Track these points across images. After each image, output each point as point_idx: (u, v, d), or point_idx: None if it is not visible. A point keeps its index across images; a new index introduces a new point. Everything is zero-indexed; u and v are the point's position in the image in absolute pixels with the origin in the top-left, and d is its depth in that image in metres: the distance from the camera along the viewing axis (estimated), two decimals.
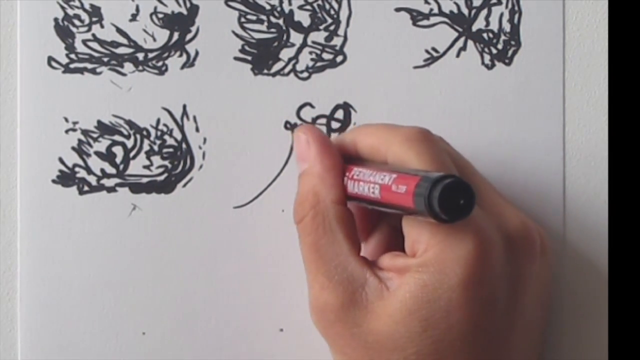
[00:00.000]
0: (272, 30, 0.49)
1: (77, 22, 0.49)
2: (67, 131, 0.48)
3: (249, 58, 0.49)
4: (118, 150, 0.49)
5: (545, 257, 0.45)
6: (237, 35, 0.49)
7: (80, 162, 0.49)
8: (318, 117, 0.49)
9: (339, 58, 0.49)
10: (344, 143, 0.46)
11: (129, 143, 0.49)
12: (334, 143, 0.46)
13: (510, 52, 0.50)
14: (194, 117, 0.49)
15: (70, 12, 0.49)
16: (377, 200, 0.42)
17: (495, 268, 0.42)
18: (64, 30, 0.49)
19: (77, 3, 0.48)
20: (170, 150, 0.49)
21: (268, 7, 0.49)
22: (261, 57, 0.49)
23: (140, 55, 0.49)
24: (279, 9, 0.49)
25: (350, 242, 0.44)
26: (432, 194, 0.39)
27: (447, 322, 0.41)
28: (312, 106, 0.49)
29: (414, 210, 0.41)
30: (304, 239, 0.44)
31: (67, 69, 0.48)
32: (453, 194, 0.39)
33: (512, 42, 0.50)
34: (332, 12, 0.49)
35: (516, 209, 0.45)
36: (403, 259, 0.42)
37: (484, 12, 0.50)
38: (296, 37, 0.49)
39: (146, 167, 0.49)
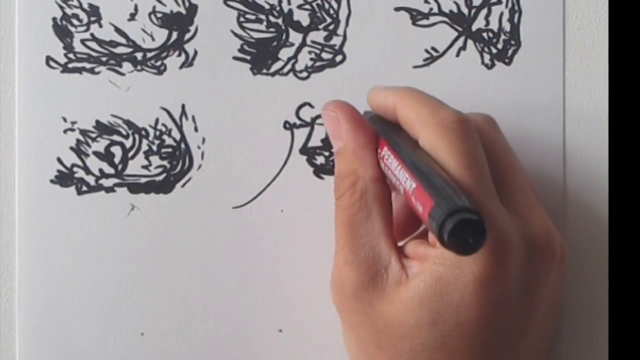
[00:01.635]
0: (271, 29, 0.49)
1: (75, 22, 0.48)
2: (65, 131, 0.48)
3: (248, 58, 0.49)
4: (116, 150, 0.49)
5: (562, 268, 0.45)
6: (236, 34, 0.49)
7: (79, 162, 0.48)
8: (317, 117, 0.49)
9: (339, 58, 0.49)
10: (385, 102, 0.45)
11: (128, 143, 0.49)
12: (376, 94, 0.46)
13: (510, 52, 0.50)
14: (193, 117, 0.49)
15: (68, 11, 0.48)
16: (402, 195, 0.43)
17: (511, 271, 0.42)
18: (62, 30, 0.48)
19: (75, 2, 0.48)
20: (169, 150, 0.49)
21: (267, 7, 0.49)
22: (260, 56, 0.49)
23: (139, 55, 0.49)
24: (278, 8, 0.49)
25: (384, 223, 0.44)
26: (445, 224, 0.38)
27: (457, 318, 0.41)
28: (311, 106, 0.49)
29: (428, 226, 0.40)
30: (339, 213, 0.44)
31: (65, 69, 0.48)
32: (464, 230, 0.38)
33: (512, 42, 0.50)
34: (332, 11, 0.49)
35: (545, 215, 0.44)
36: (424, 247, 0.42)
37: (484, 11, 0.50)
38: (295, 37, 0.49)
39: (145, 167, 0.49)
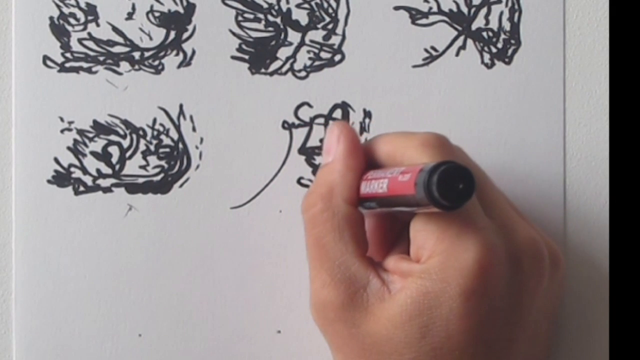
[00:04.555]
0: (270, 29, 0.49)
1: (72, 21, 0.48)
2: (62, 131, 0.48)
3: (246, 57, 0.49)
4: (114, 150, 0.48)
5: (556, 273, 0.45)
6: (234, 34, 0.49)
7: (76, 162, 0.48)
8: (316, 116, 0.49)
9: (337, 57, 0.49)
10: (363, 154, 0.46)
11: (125, 143, 0.48)
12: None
13: (510, 51, 0.49)
14: (191, 117, 0.49)
15: (65, 10, 0.48)
16: (384, 195, 0.42)
17: (498, 281, 0.42)
18: (59, 29, 0.48)
19: (72, 1, 0.48)
20: (167, 150, 0.49)
21: (265, 6, 0.49)
22: (258, 56, 0.49)
23: (137, 54, 0.48)
24: (276, 7, 0.49)
25: (357, 243, 0.44)
26: (431, 179, 0.39)
27: (446, 331, 0.41)
28: (310, 106, 0.49)
29: (416, 200, 0.40)
30: (310, 230, 0.44)
31: (62, 68, 0.48)
32: (452, 179, 0.39)
33: (512, 41, 0.49)
34: (331, 10, 0.49)
35: (528, 224, 0.45)
36: (407, 263, 0.42)
37: (484, 10, 0.50)
38: (294, 36, 0.49)
39: (142, 167, 0.48)
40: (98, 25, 0.48)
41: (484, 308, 0.41)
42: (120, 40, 0.48)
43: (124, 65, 0.48)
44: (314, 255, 0.44)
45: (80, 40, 0.48)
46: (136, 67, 0.48)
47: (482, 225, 0.42)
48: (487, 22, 0.50)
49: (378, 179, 0.43)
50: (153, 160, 0.49)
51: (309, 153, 0.49)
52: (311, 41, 0.49)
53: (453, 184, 0.39)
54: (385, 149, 0.45)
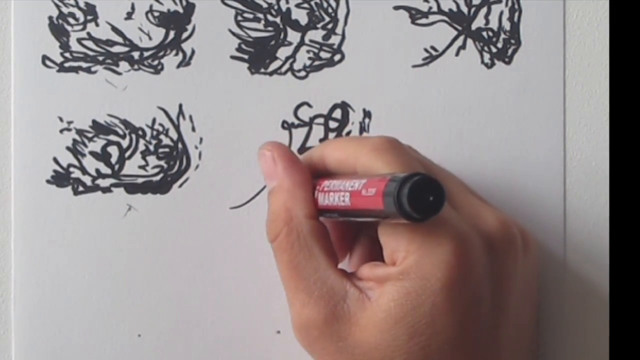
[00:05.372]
0: (269, 28, 0.49)
1: (71, 21, 0.48)
2: (61, 131, 0.48)
3: (246, 57, 0.49)
4: (113, 150, 0.48)
5: (529, 254, 0.45)
6: (233, 33, 0.49)
7: (75, 162, 0.48)
8: (315, 116, 0.49)
9: (337, 57, 0.49)
10: (312, 159, 0.46)
11: (124, 143, 0.48)
12: (301, 159, 0.46)
13: (510, 51, 0.49)
14: (190, 117, 0.48)
15: (64, 10, 0.48)
16: (347, 208, 0.42)
17: (476, 269, 0.42)
18: (58, 29, 0.48)
19: (71, 1, 0.48)
20: (166, 150, 0.48)
21: (265, 5, 0.49)
22: (258, 56, 0.49)
23: (136, 54, 0.48)
24: (276, 7, 0.49)
25: (327, 256, 0.44)
26: (401, 192, 0.39)
27: (433, 327, 0.41)
28: (309, 105, 0.49)
29: (384, 213, 0.40)
30: (279, 256, 0.44)
31: (61, 68, 0.48)
32: (422, 191, 0.39)
33: (512, 41, 0.49)
34: (330, 10, 0.49)
35: (493, 208, 0.45)
36: (383, 268, 0.42)
37: (484, 10, 0.49)
38: (293, 36, 0.49)
39: (142, 167, 0.48)
40: (97, 25, 0.48)
41: (466, 298, 0.41)
42: (120, 40, 0.48)
43: (123, 65, 0.48)
44: (288, 278, 0.44)
45: (79, 40, 0.48)
46: (135, 67, 0.48)
47: (451, 217, 0.42)
48: (487, 22, 0.49)
49: (337, 191, 0.42)
50: (152, 160, 0.49)
51: None
52: (311, 41, 0.49)
53: (424, 197, 0.39)
54: (335, 156, 0.45)
